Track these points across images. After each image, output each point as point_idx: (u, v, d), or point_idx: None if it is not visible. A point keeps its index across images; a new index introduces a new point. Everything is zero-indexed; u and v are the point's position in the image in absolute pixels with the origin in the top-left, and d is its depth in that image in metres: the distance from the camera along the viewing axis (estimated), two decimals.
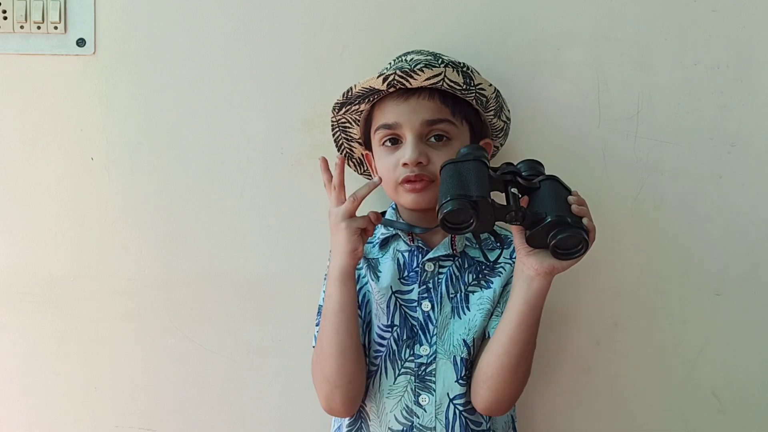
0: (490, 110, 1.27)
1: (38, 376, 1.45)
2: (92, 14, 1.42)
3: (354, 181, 1.35)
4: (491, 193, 1.07)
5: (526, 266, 1.11)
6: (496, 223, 1.09)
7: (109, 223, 1.44)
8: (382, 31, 1.40)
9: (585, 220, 1.07)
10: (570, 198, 1.10)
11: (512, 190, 1.10)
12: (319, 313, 1.25)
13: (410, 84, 1.19)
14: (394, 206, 1.29)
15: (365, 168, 1.36)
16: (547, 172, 1.14)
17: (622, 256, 1.41)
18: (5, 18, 1.41)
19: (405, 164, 1.19)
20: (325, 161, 1.21)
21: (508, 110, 1.30)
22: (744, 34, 1.40)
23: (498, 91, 1.26)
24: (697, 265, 1.42)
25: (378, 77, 1.19)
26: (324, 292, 1.23)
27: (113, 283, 1.44)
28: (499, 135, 1.32)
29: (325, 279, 1.26)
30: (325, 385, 1.18)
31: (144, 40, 1.42)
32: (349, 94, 1.24)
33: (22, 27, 1.41)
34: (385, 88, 1.20)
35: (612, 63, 1.40)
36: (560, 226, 1.06)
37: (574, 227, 1.05)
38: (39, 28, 1.41)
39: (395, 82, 1.19)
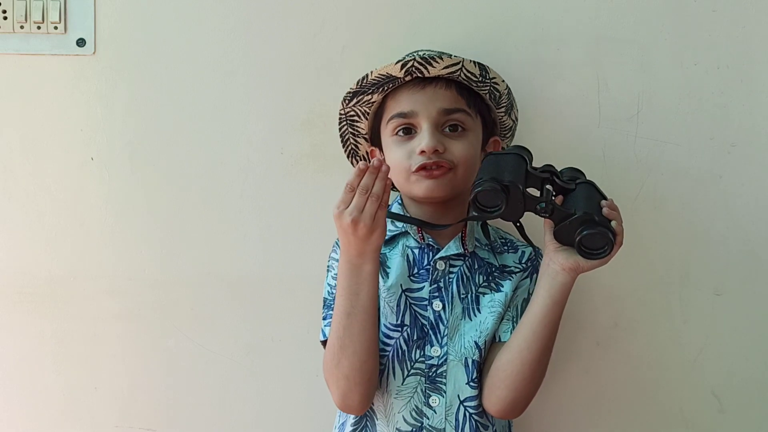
0: (502, 106, 1.27)
1: (38, 376, 1.45)
2: (92, 14, 1.42)
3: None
4: (528, 189, 1.11)
5: (553, 261, 1.12)
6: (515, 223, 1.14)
7: (109, 223, 1.44)
8: (382, 31, 1.40)
9: (614, 223, 1.10)
10: (603, 201, 1.13)
11: (547, 186, 1.13)
12: (325, 306, 1.23)
13: (428, 72, 1.19)
14: (399, 201, 1.28)
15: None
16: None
17: (622, 256, 1.40)
18: (5, 18, 1.41)
19: (422, 152, 1.17)
20: (366, 167, 1.10)
21: (517, 110, 1.31)
22: (744, 34, 1.40)
23: (509, 88, 1.27)
24: (697, 265, 1.42)
25: (396, 64, 1.19)
26: (329, 285, 1.22)
27: (113, 283, 1.44)
28: (507, 134, 1.32)
29: (328, 271, 1.25)
30: (344, 383, 1.15)
31: (144, 40, 1.42)
32: (364, 81, 1.23)
33: (22, 27, 1.41)
34: (402, 76, 1.20)
35: (612, 63, 1.40)
36: (587, 223, 1.09)
37: (600, 225, 1.08)
38: (39, 28, 1.41)
39: (413, 69, 1.19)
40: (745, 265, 1.42)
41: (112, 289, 1.44)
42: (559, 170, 1.16)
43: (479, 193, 1.08)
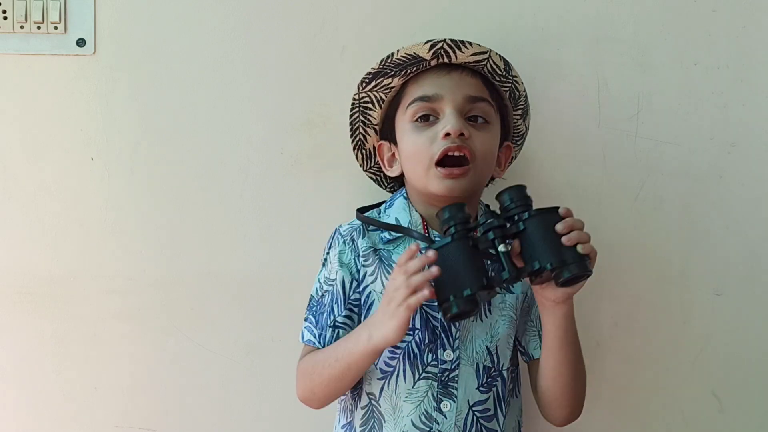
0: (519, 108, 1.26)
1: (38, 376, 1.45)
2: (92, 14, 1.42)
3: (360, 177, 1.35)
4: (482, 258, 1.06)
5: (545, 298, 1.11)
6: None
7: (109, 223, 1.44)
8: (382, 32, 1.40)
9: (579, 247, 1.03)
10: (558, 227, 1.04)
11: (500, 248, 1.05)
12: (310, 306, 1.22)
13: (455, 57, 1.18)
14: (405, 194, 1.24)
15: (375, 162, 1.31)
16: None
17: (622, 256, 1.41)
18: (5, 18, 1.41)
19: (447, 135, 1.14)
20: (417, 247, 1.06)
21: (530, 118, 1.30)
22: (744, 34, 1.40)
23: (527, 92, 1.26)
24: (697, 265, 1.42)
25: (425, 44, 1.17)
26: (319, 281, 1.21)
27: (113, 283, 1.44)
28: (519, 141, 1.31)
29: (323, 267, 1.23)
30: (309, 395, 1.18)
31: (144, 40, 1.42)
32: (389, 60, 1.20)
33: (22, 27, 1.41)
34: (429, 57, 1.18)
35: (612, 63, 1.40)
36: (559, 269, 1.04)
37: (572, 265, 1.03)
38: (39, 28, 1.41)
39: (442, 52, 1.17)
40: (745, 265, 1.42)
41: (112, 289, 1.44)
42: (497, 196, 1.08)
43: (451, 317, 1.04)
